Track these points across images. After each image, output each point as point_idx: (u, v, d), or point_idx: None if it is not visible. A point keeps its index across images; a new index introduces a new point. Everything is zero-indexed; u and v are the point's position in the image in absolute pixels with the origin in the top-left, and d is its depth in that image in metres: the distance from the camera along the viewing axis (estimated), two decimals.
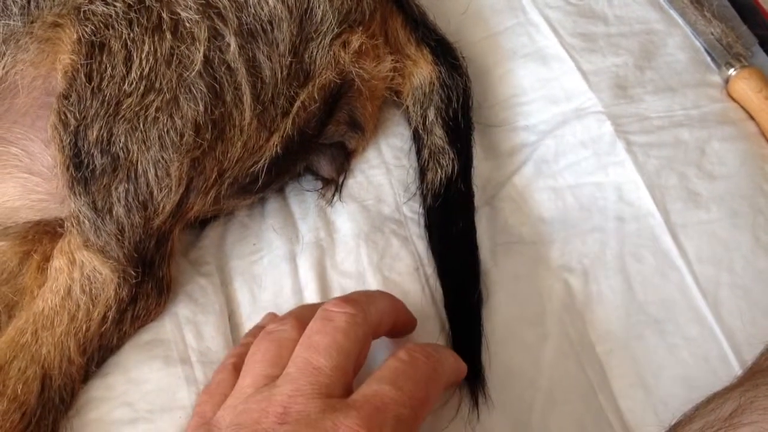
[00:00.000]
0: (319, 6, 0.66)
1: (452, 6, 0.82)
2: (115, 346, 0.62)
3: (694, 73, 0.78)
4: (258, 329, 0.60)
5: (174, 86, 0.61)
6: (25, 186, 0.64)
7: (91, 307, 0.59)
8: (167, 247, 0.63)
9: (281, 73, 0.65)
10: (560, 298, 0.67)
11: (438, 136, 0.72)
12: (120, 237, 0.60)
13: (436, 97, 0.73)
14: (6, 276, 0.65)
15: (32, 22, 0.62)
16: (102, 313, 0.60)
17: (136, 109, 0.60)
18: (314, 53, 0.66)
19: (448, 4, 0.82)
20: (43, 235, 0.65)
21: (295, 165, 0.70)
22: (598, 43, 0.79)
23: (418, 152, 0.73)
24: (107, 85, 0.59)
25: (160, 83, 0.60)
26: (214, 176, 0.63)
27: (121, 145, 0.59)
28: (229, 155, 0.64)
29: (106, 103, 0.59)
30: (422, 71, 0.74)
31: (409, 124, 0.75)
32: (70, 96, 0.59)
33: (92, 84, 0.59)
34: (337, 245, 0.69)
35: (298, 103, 0.66)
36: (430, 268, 0.68)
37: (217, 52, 0.62)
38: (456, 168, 0.71)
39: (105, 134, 0.59)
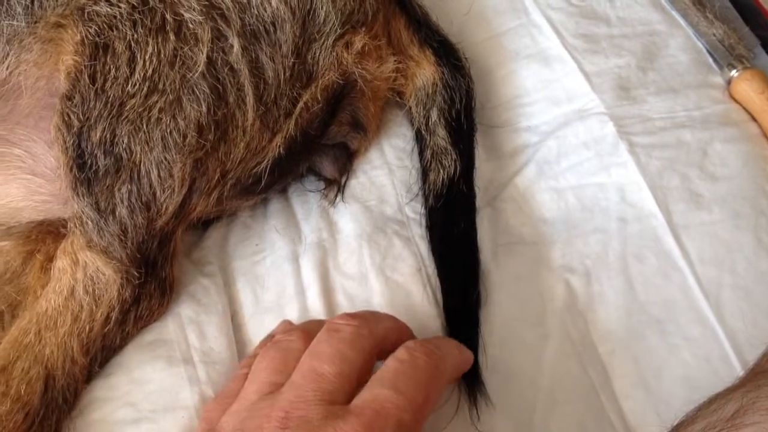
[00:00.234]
0: (321, 7, 0.66)
1: (455, 7, 0.82)
2: (118, 346, 0.62)
3: (696, 75, 0.78)
4: (270, 338, 0.60)
5: (177, 87, 0.61)
6: (29, 187, 0.64)
7: (94, 307, 0.60)
8: (170, 247, 0.63)
9: (284, 74, 0.65)
10: (562, 298, 0.67)
11: (441, 136, 0.72)
12: (123, 238, 0.60)
13: (438, 98, 0.73)
14: (9, 276, 0.65)
15: (36, 23, 0.62)
16: (105, 313, 0.60)
17: (140, 110, 0.60)
18: (317, 54, 0.66)
19: (450, 5, 0.82)
20: (47, 235, 0.66)
21: (297, 166, 0.70)
22: (600, 45, 0.79)
23: (421, 153, 0.73)
24: (111, 86, 0.60)
25: (164, 84, 0.60)
26: (216, 177, 0.64)
27: (124, 146, 0.59)
28: (231, 156, 0.64)
29: (109, 104, 0.59)
30: (425, 72, 0.74)
31: (412, 124, 0.75)
32: (74, 97, 0.59)
33: (96, 85, 0.59)
34: (340, 246, 0.69)
35: (300, 104, 0.66)
36: (432, 269, 0.68)
37: (221, 54, 0.62)
38: (458, 169, 0.71)
39: (108, 135, 0.59)
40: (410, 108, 0.75)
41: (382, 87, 0.73)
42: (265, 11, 0.64)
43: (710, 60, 0.80)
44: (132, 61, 0.60)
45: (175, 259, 0.64)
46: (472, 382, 0.62)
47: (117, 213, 0.60)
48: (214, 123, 0.62)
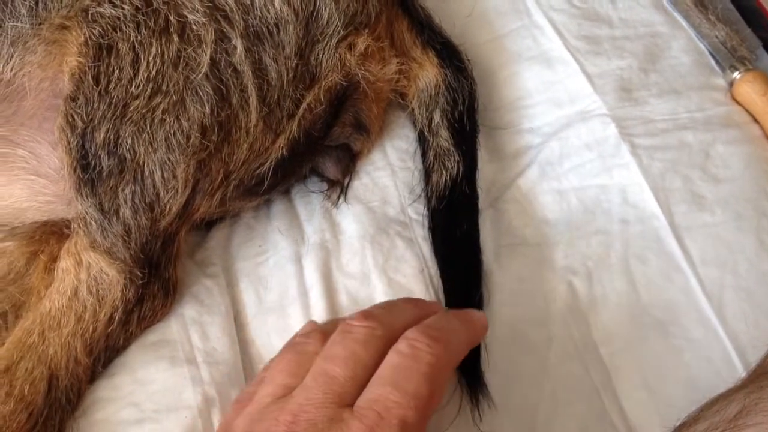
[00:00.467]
0: (325, 8, 0.66)
1: (457, 8, 0.82)
2: (122, 346, 0.62)
3: (698, 76, 0.78)
4: (300, 336, 0.59)
5: (181, 88, 0.61)
6: (32, 188, 0.64)
7: (97, 307, 0.60)
8: (173, 248, 0.63)
9: (287, 75, 0.65)
10: (564, 299, 0.67)
11: (443, 138, 0.72)
12: (126, 238, 0.60)
13: (441, 99, 0.73)
14: (13, 276, 0.65)
15: (40, 24, 0.62)
16: (108, 314, 0.60)
17: (143, 111, 0.60)
18: (320, 55, 0.66)
19: (453, 6, 0.82)
20: (50, 235, 0.66)
21: (300, 167, 0.70)
22: (602, 46, 0.79)
23: (423, 154, 0.74)
24: (114, 88, 0.60)
25: (167, 85, 0.61)
26: (220, 178, 0.64)
27: (128, 147, 0.59)
28: (235, 157, 0.64)
29: (113, 105, 0.59)
30: (428, 74, 0.74)
31: (415, 126, 0.75)
32: (78, 98, 0.59)
33: (99, 86, 0.60)
34: (343, 247, 0.69)
35: (303, 105, 0.66)
36: (434, 270, 0.68)
37: (224, 55, 0.62)
38: (461, 170, 0.71)
39: (112, 136, 0.59)
40: (413, 109, 0.75)
41: (385, 88, 0.73)
42: (269, 13, 0.64)
43: (712, 62, 0.80)
44: (136, 63, 0.60)
45: (179, 259, 0.64)
46: (474, 383, 0.62)
47: (121, 214, 0.60)
48: (218, 124, 0.62)
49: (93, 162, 0.59)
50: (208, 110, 0.61)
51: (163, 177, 0.60)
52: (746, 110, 0.76)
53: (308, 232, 0.70)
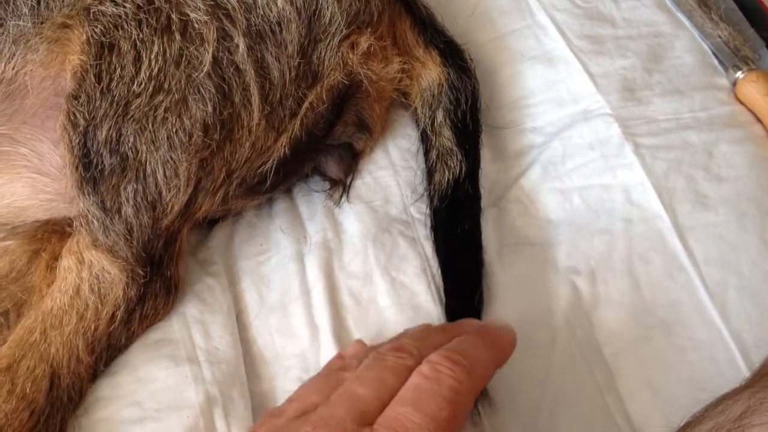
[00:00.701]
0: (327, 7, 0.66)
1: (459, 7, 0.82)
2: (124, 345, 0.62)
3: (701, 76, 0.78)
4: (338, 358, 0.60)
5: (183, 87, 0.61)
6: (34, 186, 0.64)
7: (99, 306, 0.60)
8: (175, 246, 0.63)
9: (290, 74, 0.65)
10: (567, 299, 0.67)
11: (446, 137, 0.72)
12: (128, 237, 0.60)
13: (444, 98, 0.73)
14: (15, 275, 0.65)
15: (42, 23, 0.62)
16: (110, 312, 0.60)
17: (145, 109, 0.60)
18: (322, 54, 0.66)
19: (455, 6, 0.82)
20: (52, 234, 0.66)
21: (303, 166, 0.70)
22: (605, 46, 0.79)
23: (426, 153, 0.73)
24: (116, 86, 0.60)
25: (169, 84, 0.61)
26: (222, 176, 0.64)
27: (130, 145, 0.59)
28: (237, 156, 0.64)
29: (115, 104, 0.59)
30: (430, 73, 0.74)
31: (417, 125, 0.75)
32: (80, 96, 0.59)
33: (101, 84, 0.60)
34: (345, 246, 0.69)
35: (306, 104, 0.66)
36: (437, 269, 0.68)
37: (226, 53, 0.62)
38: (463, 169, 0.71)
39: (114, 134, 0.59)
40: (415, 109, 0.75)
41: (388, 88, 0.73)
42: (271, 11, 0.64)
43: (715, 61, 0.80)
44: (137, 61, 0.60)
45: (181, 258, 0.64)
46: None
47: (123, 212, 0.60)
48: (220, 123, 0.62)
49: (95, 160, 0.59)
50: (210, 109, 0.61)
51: (165, 175, 0.60)
52: (749, 110, 0.76)
53: (310, 231, 0.70)
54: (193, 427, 0.58)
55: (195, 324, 0.63)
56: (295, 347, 0.64)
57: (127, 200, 0.60)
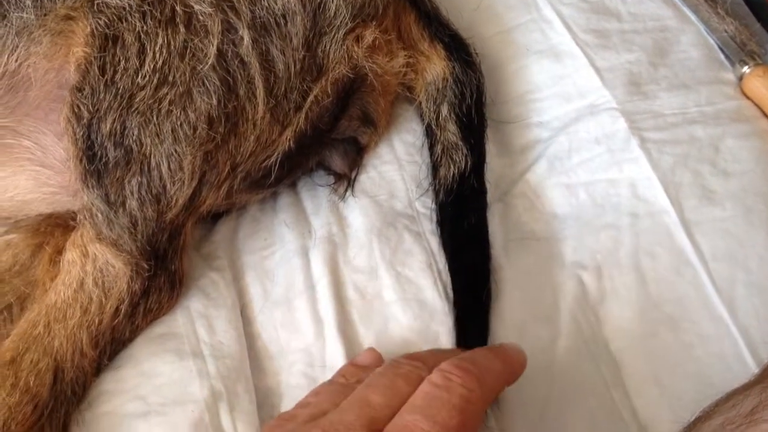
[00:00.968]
0: (332, 0, 0.65)
1: (464, 1, 0.82)
2: (128, 339, 0.61)
3: (707, 71, 0.77)
4: (352, 365, 0.60)
5: (187, 79, 0.60)
6: (38, 179, 0.63)
7: (103, 299, 0.59)
8: (180, 240, 0.63)
9: (294, 67, 0.64)
10: (573, 294, 0.66)
11: (451, 132, 0.72)
12: (133, 230, 0.60)
13: (449, 92, 0.73)
14: (18, 268, 0.65)
15: (45, 15, 0.62)
16: (114, 306, 0.60)
17: (150, 102, 0.59)
18: (327, 47, 0.66)
19: None
20: (55, 227, 0.65)
21: (307, 160, 0.70)
22: (611, 40, 0.78)
23: (431, 148, 0.73)
24: (121, 78, 0.59)
25: (174, 76, 0.60)
26: (226, 170, 0.63)
27: (134, 138, 0.59)
28: (242, 149, 0.63)
29: (119, 96, 0.59)
30: (435, 67, 0.74)
31: (422, 119, 0.75)
32: (84, 89, 0.59)
33: (106, 77, 0.59)
34: (350, 240, 0.68)
35: (311, 98, 0.66)
36: (442, 264, 0.68)
37: (231, 46, 0.62)
38: (469, 164, 0.71)
39: (118, 127, 0.59)
40: (420, 103, 0.75)
41: (393, 82, 0.73)
42: (276, 4, 0.64)
43: (722, 56, 0.79)
44: (142, 53, 0.60)
45: (185, 252, 0.64)
46: None
47: (127, 205, 0.59)
48: (225, 116, 0.61)
49: (99, 153, 0.59)
50: (215, 102, 0.61)
51: (169, 168, 0.60)
52: (756, 105, 0.76)
53: (315, 225, 0.70)
54: (198, 422, 0.58)
55: (199, 318, 0.63)
56: (300, 342, 0.64)
57: (132, 193, 0.59)
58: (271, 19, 0.63)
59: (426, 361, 0.54)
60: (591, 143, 0.73)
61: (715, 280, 0.65)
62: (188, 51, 0.61)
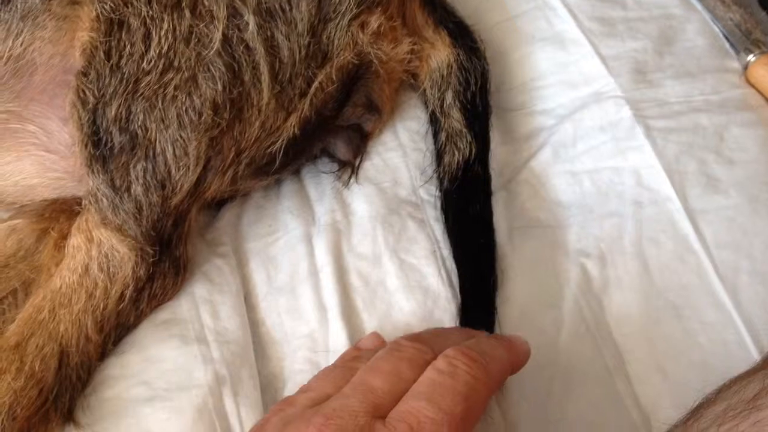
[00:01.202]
0: None
1: None
2: (132, 324, 0.62)
3: (713, 59, 0.77)
4: (354, 349, 0.60)
5: (193, 65, 0.60)
6: (42, 164, 0.63)
7: (108, 285, 0.59)
8: (184, 226, 0.63)
9: (299, 53, 0.64)
10: (577, 282, 0.66)
11: (455, 119, 0.72)
12: (138, 215, 0.60)
13: (453, 80, 0.73)
14: (23, 253, 0.65)
15: (50, 0, 0.62)
16: (119, 291, 0.60)
17: (155, 87, 0.59)
18: (333, 34, 0.66)
19: None
20: (60, 213, 0.65)
21: (312, 146, 0.70)
22: (616, 28, 0.78)
23: (435, 135, 0.73)
24: (126, 63, 0.59)
25: (179, 61, 0.60)
26: (231, 156, 0.63)
27: (139, 123, 0.59)
28: (246, 135, 0.63)
29: (125, 81, 0.59)
30: (440, 54, 0.74)
31: (426, 107, 0.75)
32: (89, 73, 0.59)
33: (111, 61, 0.59)
34: (354, 227, 0.68)
35: (315, 84, 0.65)
36: (446, 251, 0.68)
37: (236, 31, 0.62)
38: (473, 151, 0.71)
39: (124, 112, 0.59)
40: (425, 90, 0.74)
41: (397, 68, 0.73)
42: None
43: (727, 45, 0.79)
44: (147, 38, 0.60)
45: (189, 238, 0.64)
46: None
47: (132, 191, 0.59)
48: (230, 101, 0.61)
49: (104, 138, 0.59)
50: (220, 87, 0.61)
51: (174, 154, 0.60)
52: (760, 93, 0.76)
53: (319, 212, 0.70)
54: (202, 407, 0.58)
55: (204, 304, 0.63)
56: (304, 328, 0.64)
57: (137, 179, 0.59)
58: (276, 5, 0.63)
59: (429, 343, 0.54)
60: (596, 131, 0.73)
61: (718, 268, 0.65)
62: (193, 36, 0.61)
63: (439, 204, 0.70)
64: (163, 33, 0.60)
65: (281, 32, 0.63)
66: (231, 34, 0.61)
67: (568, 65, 0.77)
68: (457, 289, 0.65)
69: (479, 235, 0.67)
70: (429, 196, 0.71)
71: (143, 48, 0.59)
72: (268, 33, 0.63)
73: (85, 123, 0.58)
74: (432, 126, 0.74)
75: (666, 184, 0.69)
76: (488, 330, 0.63)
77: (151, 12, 0.60)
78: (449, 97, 0.73)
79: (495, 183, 0.71)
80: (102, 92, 0.58)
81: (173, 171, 0.60)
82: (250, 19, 0.62)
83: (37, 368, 0.57)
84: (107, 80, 0.59)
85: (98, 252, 0.59)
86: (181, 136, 0.60)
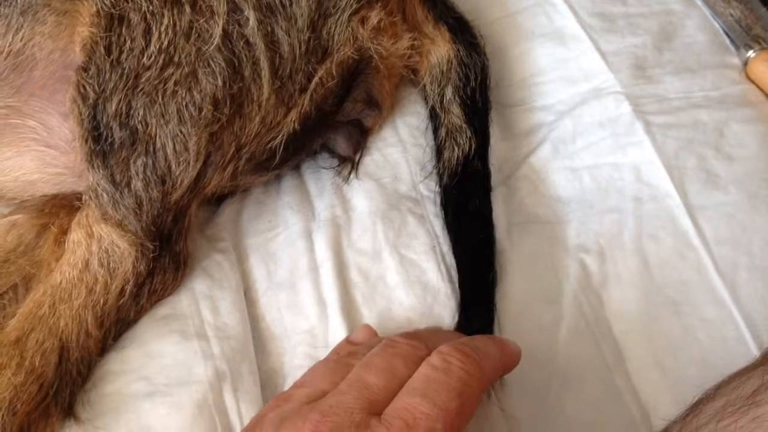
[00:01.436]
0: None
1: None
2: (133, 319, 0.62)
3: (713, 55, 0.77)
4: (346, 342, 0.60)
5: (193, 60, 0.60)
6: (43, 159, 0.63)
7: (108, 280, 0.59)
8: (184, 222, 0.63)
9: (299, 48, 0.64)
10: (576, 278, 0.66)
11: (455, 114, 0.72)
12: (138, 211, 0.60)
13: (453, 75, 0.73)
14: (23, 249, 0.65)
15: None
16: (120, 286, 0.60)
17: (155, 82, 0.59)
18: (333, 29, 0.66)
19: None
20: (61, 208, 0.65)
21: (312, 142, 0.70)
22: (616, 24, 0.78)
23: (435, 131, 0.73)
24: (126, 58, 0.59)
25: (179, 57, 0.60)
26: (231, 151, 0.63)
27: (139, 118, 0.59)
28: (247, 130, 0.63)
29: (125, 76, 0.59)
30: (440, 49, 0.74)
31: (426, 102, 0.75)
32: (90, 69, 0.59)
33: (111, 57, 0.59)
34: (354, 223, 0.68)
35: (316, 80, 0.65)
36: (446, 247, 0.68)
37: (236, 27, 0.62)
38: (473, 147, 0.71)
39: (124, 107, 0.59)
40: (425, 86, 0.74)
41: (397, 64, 0.73)
42: None
43: (727, 40, 0.79)
44: (147, 33, 0.60)
45: (189, 233, 0.64)
46: None
47: (132, 186, 0.59)
48: (230, 97, 0.61)
49: (105, 133, 0.59)
50: (220, 82, 0.61)
51: (174, 149, 0.60)
52: (760, 89, 0.76)
53: (319, 208, 0.70)
54: (202, 402, 0.58)
55: (204, 299, 0.63)
56: (304, 323, 0.64)
57: (137, 174, 0.59)
58: (276, 1, 0.63)
59: (423, 340, 0.54)
60: (595, 127, 0.73)
61: (718, 265, 0.65)
62: (194, 31, 0.61)
63: (438, 199, 0.70)
64: (163, 28, 0.60)
65: (281, 28, 0.63)
66: (231, 29, 0.61)
67: (567, 61, 0.77)
68: (457, 285, 0.65)
69: (479, 230, 0.67)
70: (429, 191, 0.71)
71: (143, 43, 0.59)
72: (269, 28, 0.63)
73: (86, 118, 0.58)
74: (432, 122, 0.74)
75: (666, 180, 0.69)
76: (487, 325, 0.63)
77: (151, 7, 0.60)
78: (449, 92, 0.73)
79: (494, 179, 0.71)
80: (102, 87, 0.58)
81: (173, 166, 0.60)
82: (251, 15, 0.62)
83: (37, 363, 0.57)
84: (107, 75, 0.59)
85: (98, 247, 0.59)
86: (181, 132, 0.60)
